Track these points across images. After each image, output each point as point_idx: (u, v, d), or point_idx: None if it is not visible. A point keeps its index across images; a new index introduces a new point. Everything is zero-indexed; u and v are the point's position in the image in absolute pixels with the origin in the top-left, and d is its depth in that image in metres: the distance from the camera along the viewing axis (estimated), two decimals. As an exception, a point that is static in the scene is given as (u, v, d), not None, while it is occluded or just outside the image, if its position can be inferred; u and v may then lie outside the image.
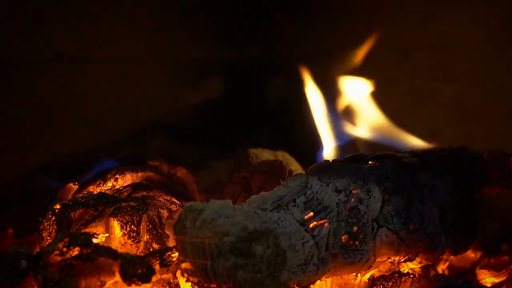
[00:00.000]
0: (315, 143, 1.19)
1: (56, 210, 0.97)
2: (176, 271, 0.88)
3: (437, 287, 0.88)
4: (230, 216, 0.77)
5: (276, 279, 0.77)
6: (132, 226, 0.96)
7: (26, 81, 1.46)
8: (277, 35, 1.80)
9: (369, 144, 1.16)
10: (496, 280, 1.03)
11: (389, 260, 0.92)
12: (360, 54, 1.39)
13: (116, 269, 0.80)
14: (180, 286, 0.90)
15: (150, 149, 1.63)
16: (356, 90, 1.23)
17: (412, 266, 0.98)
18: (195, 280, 0.79)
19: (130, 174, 1.08)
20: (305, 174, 0.91)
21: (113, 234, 0.96)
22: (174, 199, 1.05)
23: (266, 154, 1.20)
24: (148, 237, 0.97)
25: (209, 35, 1.76)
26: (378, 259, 0.91)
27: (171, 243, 0.97)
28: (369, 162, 0.94)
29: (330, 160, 0.95)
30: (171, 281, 0.90)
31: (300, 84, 1.34)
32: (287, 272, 0.78)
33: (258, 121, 1.86)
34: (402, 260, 0.93)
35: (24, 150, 1.47)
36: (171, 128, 1.73)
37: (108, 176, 1.07)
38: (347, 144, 1.16)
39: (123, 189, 1.06)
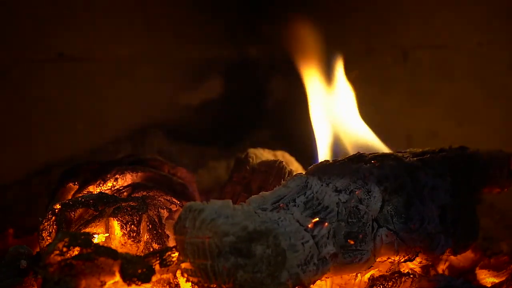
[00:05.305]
0: (314, 144, 1.19)
1: (56, 210, 0.97)
2: (176, 271, 0.88)
3: (437, 287, 0.88)
4: (230, 216, 0.77)
5: (276, 279, 0.77)
6: (132, 226, 0.96)
7: (26, 81, 1.46)
8: (277, 35, 1.80)
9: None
10: (496, 280, 1.03)
11: (389, 260, 0.93)
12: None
13: (116, 269, 0.80)
14: (180, 286, 0.90)
15: (150, 149, 1.63)
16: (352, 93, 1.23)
17: (412, 266, 0.98)
18: (195, 280, 0.79)
19: (130, 174, 1.07)
20: (305, 174, 0.91)
21: (113, 234, 0.96)
22: (174, 199, 1.05)
23: (266, 154, 1.20)
24: (148, 237, 0.97)
25: (209, 35, 1.76)
26: (378, 259, 0.91)
27: (171, 243, 0.97)
28: (369, 162, 0.94)
29: (330, 160, 0.95)
30: (171, 281, 0.90)
31: (300, 84, 1.34)
32: (287, 272, 0.78)
33: (258, 121, 1.87)
34: (402, 260, 0.93)
35: (25, 150, 1.47)
36: (171, 128, 1.73)
37: (108, 176, 1.06)
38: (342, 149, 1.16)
39: (123, 189, 1.06)
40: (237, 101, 1.84)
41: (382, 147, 1.12)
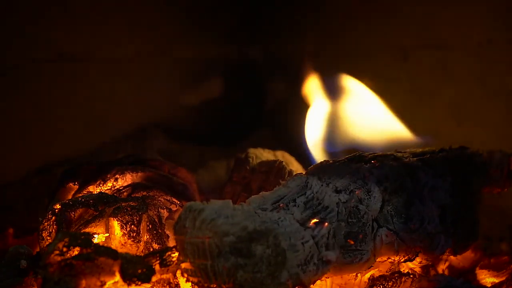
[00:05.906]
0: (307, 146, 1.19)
1: (56, 210, 0.97)
2: (176, 271, 0.88)
3: (437, 287, 0.88)
4: (230, 216, 0.77)
5: (276, 279, 0.77)
6: (132, 226, 0.96)
7: (26, 81, 1.46)
8: (277, 35, 1.80)
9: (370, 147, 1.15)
10: (496, 280, 1.03)
11: (389, 260, 0.93)
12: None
13: (116, 269, 0.80)
14: (180, 286, 0.90)
15: (150, 149, 1.63)
16: (355, 90, 1.23)
17: (412, 266, 0.98)
18: (195, 280, 0.79)
19: (130, 174, 1.08)
20: (305, 174, 0.91)
21: (113, 234, 0.96)
22: (174, 199, 1.05)
23: (266, 154, 1.20)
24: (148, 237, 0.97)
25: (209, 35, 1.76)
26: (378, 259, 0.91)
27: (171, 243, 0.97)
28: (369, 162, 0.94)
29: (330, 160, 0.95)
30: (171, 281, 0.90)
31: (299, 84, 1.34)
32: (287, 272, 0.78)
33: (258, 121, 1.87)
34: (402, 260, 0.93)
35: (24, 150, 1.47)
36: (171, 128, 1.73)
37: (108, 176, 1.07)
38: (342, 147, 1.16)
39: (123, 189, 1.06)
40: (237, 101, 1.84)
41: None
